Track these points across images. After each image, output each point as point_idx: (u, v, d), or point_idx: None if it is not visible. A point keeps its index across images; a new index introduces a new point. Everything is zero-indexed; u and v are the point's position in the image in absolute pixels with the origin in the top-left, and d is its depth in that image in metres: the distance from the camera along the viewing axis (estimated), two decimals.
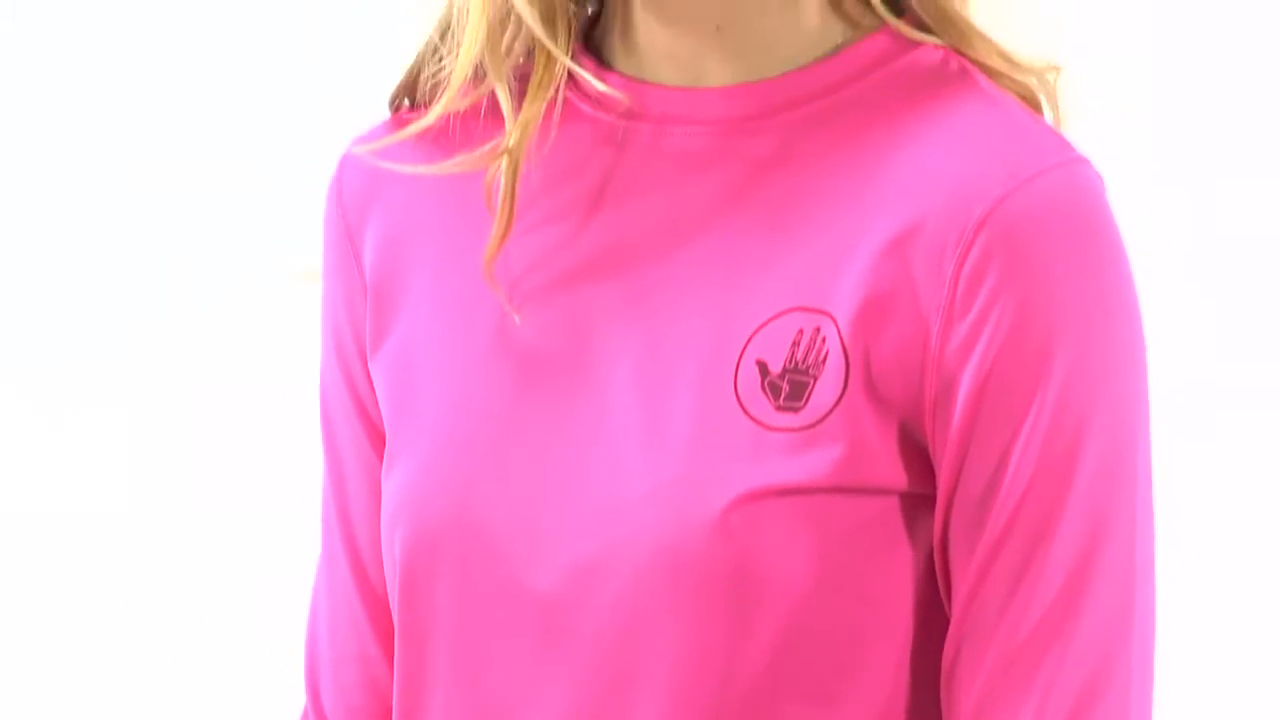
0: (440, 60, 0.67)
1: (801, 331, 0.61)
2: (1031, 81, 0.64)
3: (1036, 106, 0.64)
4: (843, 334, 0.60)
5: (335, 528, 0.72)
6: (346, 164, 0.71)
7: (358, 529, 0.71)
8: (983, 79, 0.63)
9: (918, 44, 0.63)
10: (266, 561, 2.31)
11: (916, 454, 0.61)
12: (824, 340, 0.60)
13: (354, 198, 0.70)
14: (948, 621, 0.61)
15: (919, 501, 0.61)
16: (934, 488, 0.61)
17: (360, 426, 0.70)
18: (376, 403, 0.69)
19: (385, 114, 0.71)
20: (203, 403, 2.21)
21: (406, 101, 0.70)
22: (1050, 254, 0.59)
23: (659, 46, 0.65)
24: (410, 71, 0.69)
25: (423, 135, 0.67)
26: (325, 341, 0.72)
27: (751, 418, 0.61)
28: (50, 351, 2.31)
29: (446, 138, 0.67)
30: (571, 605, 0.62)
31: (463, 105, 0.66)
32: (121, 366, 2.29)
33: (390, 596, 0.68)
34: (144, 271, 2.23)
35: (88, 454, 2.34)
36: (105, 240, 2.25)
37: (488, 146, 0.65)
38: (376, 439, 0.70)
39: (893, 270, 0.60)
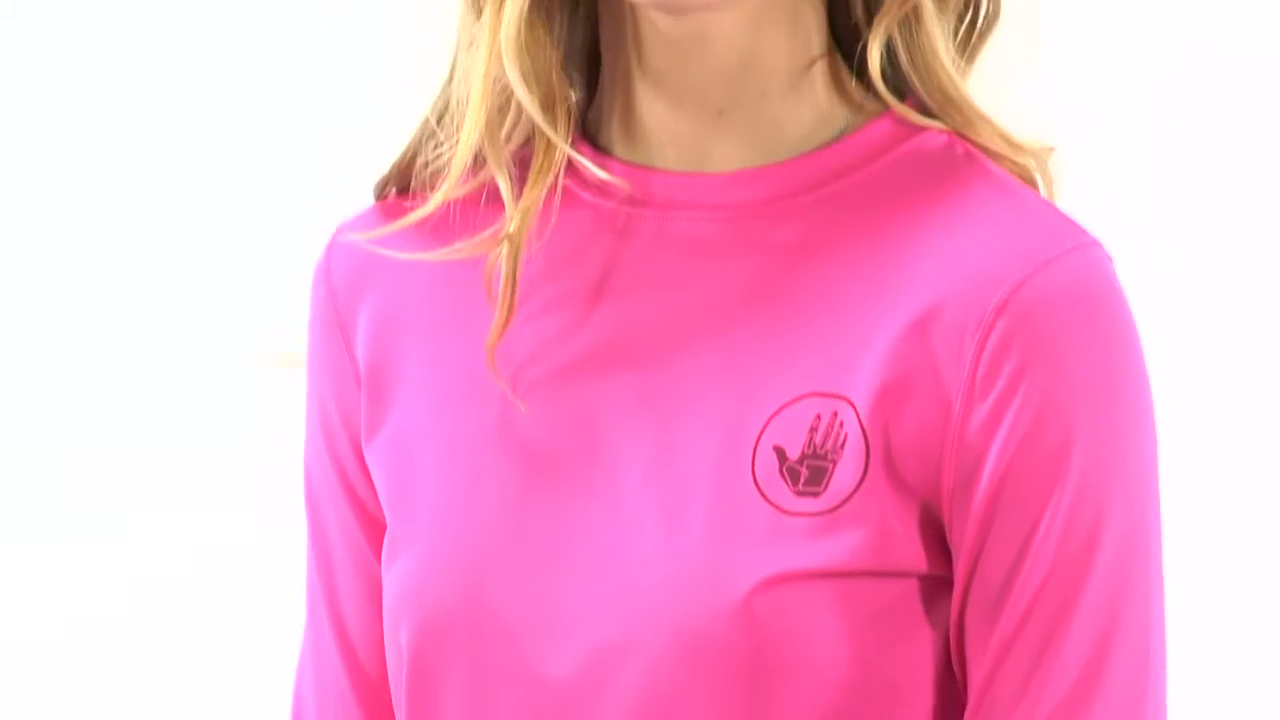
0: (438, 146, 0.67)
1: (819, 416, 0.61)
2: (1030, 163, 0.64)
3: (1034, 187, 0.65)
4: (862, 418, 0.61)
5: (322, 610, 0.71)
6: (335, 249, 0.71)
7: (346, 611, 0.70)
8: (989, 163, 0.64)
9: (922, 129, 0.64)
10: (241, 646, 2.28)
11: (936, 536, 0.61)
12: (842, 424, 0.61)
13: (345, 283, 0.70)
14: (964, 706, 0.61)
15: (937, 584, 0.61)
16: (951, 570, 0.61)
17: (349, 510, 0.70)
18: (368, 486, 0.69)
19: (364, 198, 0.70)
20: (175, 490, 2.18)
21: (393, 189, 0.69)
22: (1069, 339, 0.60)
23: (661, 130, 0.65)
24: (403, 157, 0.69)
25: (421, 222, 0.67)
26: (311, 426, 0.71)
27: (770, 503, 0.61)
28: (20, 436, 2.28)
29: (445, 225, 0.66)
30: (589, 693, 0.62)
31: (461, 193, 0.66)
32: (92, 452, 2.27)
33: (395, 687, 0.67)
34: (114, 356, 2.21)
35: (58, 542, 2.31)
36: (73, 324, 2.23)
37: (488, 233, 0.65)
38: (367, 523, 0.69)
39: (912, 353, 0.61)
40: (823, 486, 0.60)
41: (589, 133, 0.67)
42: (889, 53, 0.63)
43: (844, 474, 0.60)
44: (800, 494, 0.60)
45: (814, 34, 0.65)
